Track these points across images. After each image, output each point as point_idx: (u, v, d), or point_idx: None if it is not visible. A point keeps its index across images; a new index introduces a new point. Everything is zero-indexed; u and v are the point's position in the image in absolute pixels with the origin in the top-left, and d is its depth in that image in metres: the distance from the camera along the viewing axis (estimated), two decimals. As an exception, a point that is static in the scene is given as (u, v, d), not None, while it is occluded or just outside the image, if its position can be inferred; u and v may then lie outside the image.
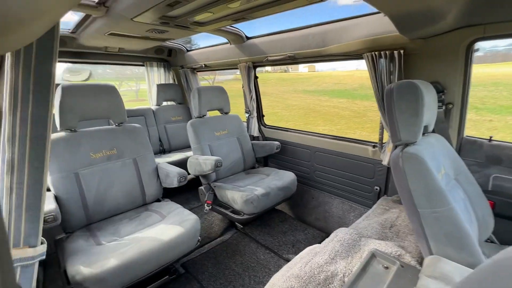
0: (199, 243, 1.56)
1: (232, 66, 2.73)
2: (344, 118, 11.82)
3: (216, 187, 2.13)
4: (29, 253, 0.49)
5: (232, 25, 2.11)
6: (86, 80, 2.99)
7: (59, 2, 0.25)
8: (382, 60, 1.53)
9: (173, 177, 1.74)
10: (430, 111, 1.14)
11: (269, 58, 2.22)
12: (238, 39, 2.34)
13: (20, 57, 0.41)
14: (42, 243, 0.54)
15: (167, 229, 1.45)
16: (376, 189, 1.96)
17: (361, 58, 1.66)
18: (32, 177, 0.47)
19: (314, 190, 2.41)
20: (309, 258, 1.16)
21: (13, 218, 0.47)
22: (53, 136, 1.54)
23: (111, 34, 2.02)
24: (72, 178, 1.54)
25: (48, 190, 1.51)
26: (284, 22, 2.10)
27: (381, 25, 1.47)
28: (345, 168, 2.13)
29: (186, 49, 3.16)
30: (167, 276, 1.65)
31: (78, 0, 0.30)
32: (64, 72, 2.83)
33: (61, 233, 1.52)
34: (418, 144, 1.11)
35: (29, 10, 0.21)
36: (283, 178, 2.17)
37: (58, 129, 1.57)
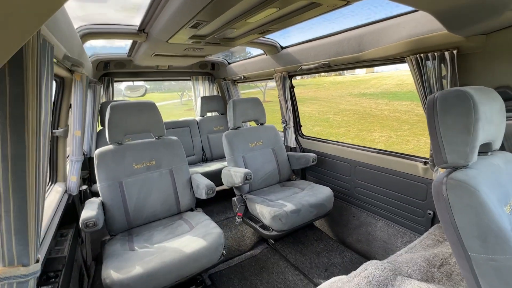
0: (223, 257, 1.55)
1: (268, 76, 2.71)
2: (406, 123, 10.56)
3: (247, 199, 2.12)
4: (21, 271, 0.56)
5: (266, 36, 2.10)
6: (143, 95, 3.39)
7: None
8: (430, 63, 1.29)
9: (202, 189, 1.80)
10: (491, 124, 0.89)
11: (303, 67, 2.12)
12: (273, 49, 2.32)
13: None
14: (38, 261, 0.60)
15: (191, 241, 1.49)
16: (429, 214, 1.65)
17: (403, 62, 1.43)
18: (16, 207, 0.53)
19: (355, 208, 2.18)
20: (328, 293, 1.03)
21: (5, 241, 0.54)
22: (103, 149, 1.76)
23: (156, 55, 2.24)
24: (117, 187, 1.73)
25: (98, 196, 1.74)
26: (318, 29, 1.98)
27: (427, 23, 1.24)
28: (391, 186, 1.86)
29: (228, 62, 3.29)
30: (194, 286, 1.69)
31: (21, 39, 0.31)
32: (125, 90, 3.27)
33: (107, 235, 1.72)
34: (472, 167, 0.88)
35: None
36: (318, 194, 2.02)
37: (108, 142, 1.80)
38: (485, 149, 0.97)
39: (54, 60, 1.11)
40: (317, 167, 2.49)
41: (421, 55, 1.31)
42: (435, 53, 1.26)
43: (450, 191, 0.85)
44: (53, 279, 1.11)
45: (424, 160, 1.64)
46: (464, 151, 0.85)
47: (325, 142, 2.41)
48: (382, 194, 1.94)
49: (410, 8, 1.30)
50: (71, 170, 1.67)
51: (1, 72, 0.46)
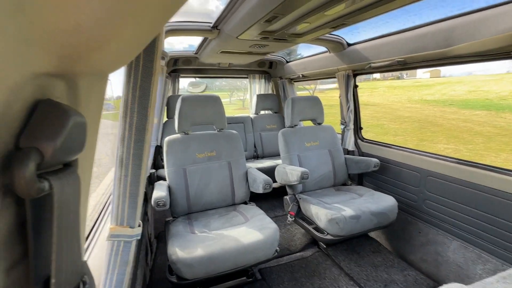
0: (277, 253, 1.54)
1: (329, 75, 2.62)
2: (480, 136, 9.15)
3: (301, 199, 2.07)
4: (128, 232, 0.63)
5: (332, 33, 2.03)
6: (203, 91, 3.60)
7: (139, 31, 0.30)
8: (549, 59, 1.07)
9: (259, 183, 1.81)
10: None
11: (372, 64, 1.98)
12: (338, 46, 2.22)
13: (130, 77, 0.54)
14: (139, 225, 0.67)
15: (248, 232, 1.51)
16: (527, 240, 1.38)
17: (508, 57, 1.22)
18: (133, 172, 0.59)
19: (422, 223, 1.95)
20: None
21: (120, 202, 0.61)
22: (172, 137, 1.91)
23: (222, 52, 2.35)
24: (181, 173, 1.86)
25: (165, 179, 1.89)
26: (394, 23, 1.82)
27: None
28: (473, 203, 1.61)
29: (286, 61, 3.28)
30: (245, 278, 1.71)
31: (155, 30, 0.34)
32: (188, 85, 3.52)
33: (170, 216, 1.86)
34: None
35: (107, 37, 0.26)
36: (380, 202, 1.87)
37: (176, 131, 1.95)
38: None
39: None
40: (377, 174, 2.31)
41: (537, 48, 1.10)
42: (558, 46, 1.04)
43: None
44: None
45: (524, 176, 1.38)
46: None
47: (390, 147, 2.21)
48: (460, 211, 1.69)
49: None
50: (146, 154, 1.85)
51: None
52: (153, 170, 2.25)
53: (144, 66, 0.52)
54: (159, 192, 1.59)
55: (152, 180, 2.20)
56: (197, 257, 1.31)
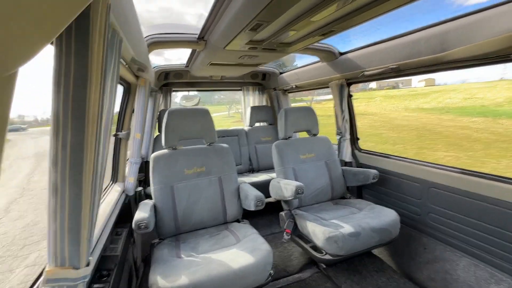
0: (270, 277, 1.40)
1: (323, 85, 2.56)
2: (479, 143, 9.08)
3: (297, 215, 1.95)
4: (71, 275, 0.51)
5: (323, 42, 1.98)
6: (196, 105, 3.53)
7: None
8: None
9: (251, 200, 1.70)
10: None
11: (366, 73, 1.92)
12: (330, 55, 2.17)
13: (60, 86, 0.45)
14: (88, 264, 0.56)
15: (237, 255, 1.38)
16: (543, 257, 1.25)
17: (507, 60, 1.15)
18: (71, 203, 0.49)
19: (427, 238, 1.82)
20: None
21: (58, 239, 0.50)
22: (158, 153, 1.81)
23: (212, 64, 2.29)
24: (168, 190, 1.75)
25: (150, 198, 1.77)
26: (386, 30, 1.77)
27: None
28: (482, 217, 1.50)
29: (279, 72, 3.24)
30: None
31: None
32: (181, 99, 3.45)
33: (156, 238, 1.73)
34: None
35: None
36: (381, 216, 1.74)
37: (163, 147, 1.85)
38: None
39: (122, 61, 1.16)
40: (377, 186, 2.19)
41: (539, 49, 1.02)
42: (562, 46, 0.97)
43: None
44: (106, 278, 1.11)
45: (534, 186, 1.27)
46: None
47: (389, 158, 2.11)
48: (468, 225, 1.57)
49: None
50: (130, 172, 1.74)
51: (68, 51, 0.43)
52: (140, 188, 2.13)
53: (76, 72, 0.43)
54: (141, 213, 1.46)
55: (139, 199, 2.08)
56: (180, 286, 1.18)
